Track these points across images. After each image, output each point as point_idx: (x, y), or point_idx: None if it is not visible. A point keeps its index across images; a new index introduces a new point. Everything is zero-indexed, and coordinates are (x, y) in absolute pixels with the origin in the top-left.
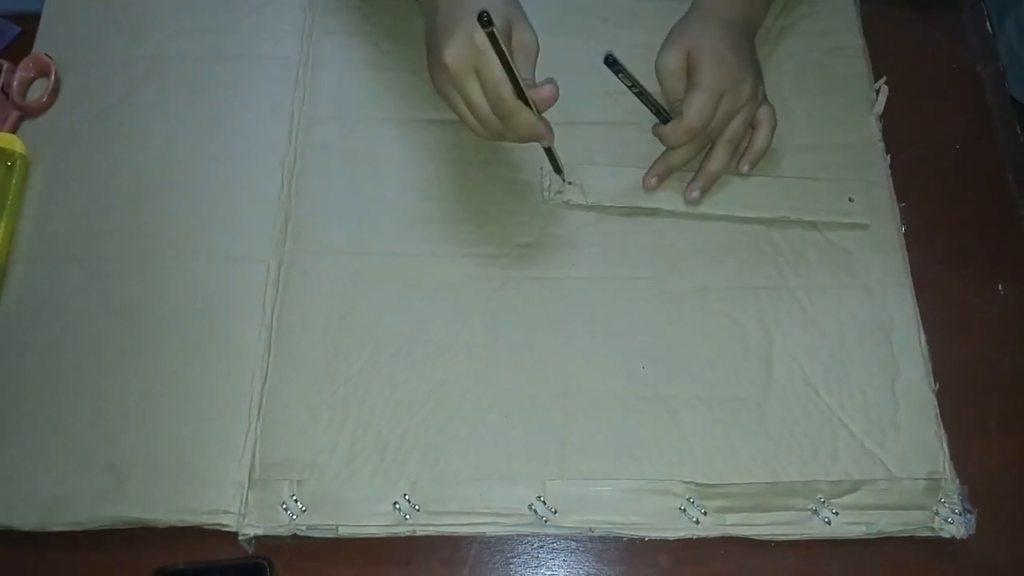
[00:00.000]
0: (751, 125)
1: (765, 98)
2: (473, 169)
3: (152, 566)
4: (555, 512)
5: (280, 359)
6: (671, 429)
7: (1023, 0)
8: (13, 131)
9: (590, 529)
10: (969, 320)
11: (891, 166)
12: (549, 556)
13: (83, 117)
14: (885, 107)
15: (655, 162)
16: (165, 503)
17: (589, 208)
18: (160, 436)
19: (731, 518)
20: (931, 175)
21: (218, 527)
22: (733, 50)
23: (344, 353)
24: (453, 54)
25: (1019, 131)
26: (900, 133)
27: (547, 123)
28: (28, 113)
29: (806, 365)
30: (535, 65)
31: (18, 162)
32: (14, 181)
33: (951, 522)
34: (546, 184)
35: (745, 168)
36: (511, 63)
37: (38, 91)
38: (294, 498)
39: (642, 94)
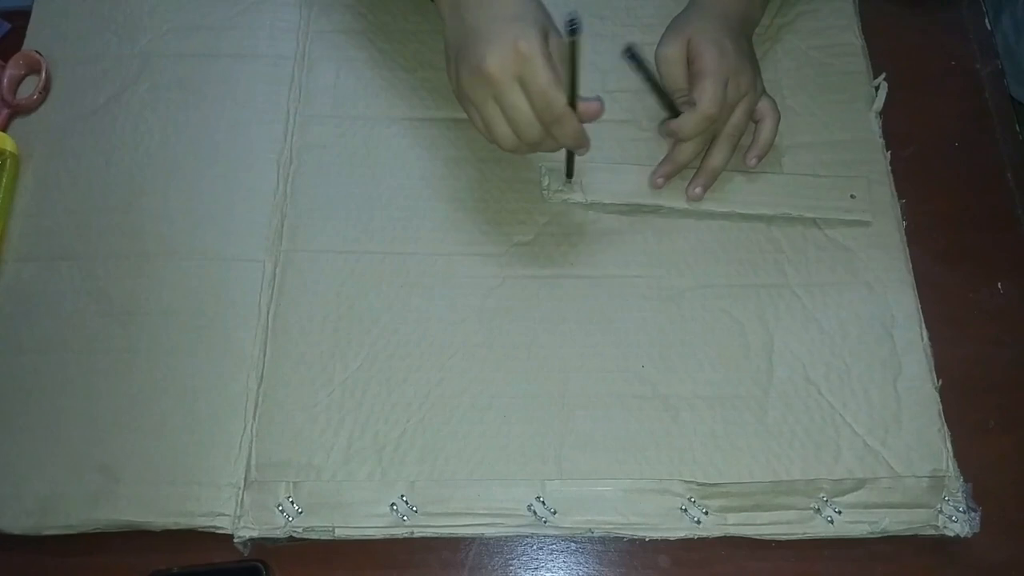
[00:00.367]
0: (753, 119)
1: (765, 91)
2: (470, 167)
3: (147, 569)
4: (554, 513)
5: (276, 359)
6: (671, 428)
7: None
8: (3, 129)
9: (590, 530)
10: (967, 317)
11: (890, 163)
12: (549, 557)
13: (75, 115)
14: (884, 104)
15: (662, 161)
16: (159, 505)
17: (588, 206)
18: (154, 437)
19: (732, 518)
20: (930, 172)
21: (213, 529)
22: (732, 42)
23: (341, 353)
24: (496, 61)
25: (1018, 128)
26: (899, 130)
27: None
28: (19, 111)
29: (807, 363)
30: None
31: (8, 160)
32: (4, 179)
33: (955, 520)
34: (545, 183)
35: (753, 161)
36: (577, 70)
37: (28, 89)
38: (290, 500)
39: (656, 88)
